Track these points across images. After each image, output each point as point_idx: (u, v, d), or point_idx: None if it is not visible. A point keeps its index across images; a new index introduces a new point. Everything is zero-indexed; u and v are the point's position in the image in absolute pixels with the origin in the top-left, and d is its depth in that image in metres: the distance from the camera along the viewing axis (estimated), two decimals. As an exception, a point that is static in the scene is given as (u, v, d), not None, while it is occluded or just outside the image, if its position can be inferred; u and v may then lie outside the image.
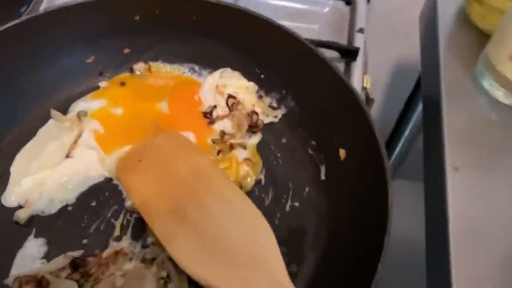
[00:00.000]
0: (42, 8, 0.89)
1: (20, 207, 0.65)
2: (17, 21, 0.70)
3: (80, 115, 0.73)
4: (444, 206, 0.64)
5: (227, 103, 0.75)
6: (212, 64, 0.80)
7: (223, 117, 0.74)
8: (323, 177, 0.70)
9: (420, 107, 1.25)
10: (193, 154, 0.67)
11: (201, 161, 0.65)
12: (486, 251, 0.59)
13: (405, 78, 1.30)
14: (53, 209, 0.66)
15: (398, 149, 1.39)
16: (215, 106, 0.75)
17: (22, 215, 0.64)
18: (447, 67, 0.80)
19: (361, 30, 0.93)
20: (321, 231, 0.66)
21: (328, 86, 0.69)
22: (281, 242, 0.55)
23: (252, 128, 0.74)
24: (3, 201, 0.66)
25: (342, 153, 0.68)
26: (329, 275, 0.61)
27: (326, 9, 0.99)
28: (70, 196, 0.67)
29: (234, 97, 0.75)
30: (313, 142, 0.73)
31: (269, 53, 0.76)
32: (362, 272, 0.55)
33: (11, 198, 0.66)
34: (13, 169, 0.68)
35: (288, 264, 0.54)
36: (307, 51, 0.70)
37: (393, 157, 1.40)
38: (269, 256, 0.51)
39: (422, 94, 0.90)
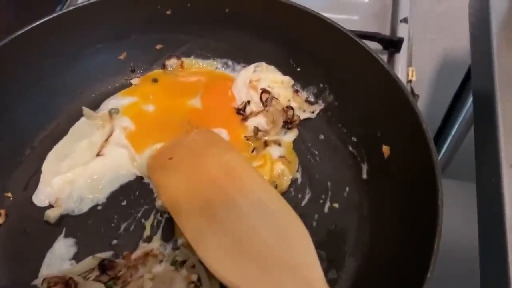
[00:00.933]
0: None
1: (50, 206, 0.64)
2: (50, 16, 0.70)
3: (112, 112, 0.72)
4: (499, 206, 0.58)
5: (261, 98, 0.71)
6: (246, 58, 0.77)
7: (257, 113, 0.71)
8: (365, 176, 0.65)
9: (469, 103, 1.17)
10: (225, 152, 0.64)
11: (234, 159, 0.62)
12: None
13: (452, 72, 1.22)
14: (84, 209, 0.64)
15: (445, 148, 1.31)
16: (248, 102, 0.71)
17: (52, 215, 0.63)
18: (501, 56, 0.73)
19: (405, 20, 0.87)
20: (363, 234, 0.61)
21: (371, 78, 0.64)
22: (319, 246, 0.51)
23: (288, 124, 0.70)
24: (34, 200, 0.65)
25: (386, 149, 0.63)
26: (372, 283, 0.56)
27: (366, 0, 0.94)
28: (100, 195, 0.65)
29: (268, 92, 0.71)
30: (354, 139, 0.68)
31: (306, 45, 0.72)
32: (410, 279, 0.49)
33: (41, 197, 0.65)
34: (45, 167, 0.67)
35: (326, 270, 0.50)
36: (349, 42, 0.65)
37: (440, 156, 1.32)
38: (305, 261, 0.47)
39: (473, 87, 0.83)
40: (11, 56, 0.67)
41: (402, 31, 0.86)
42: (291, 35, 0.72)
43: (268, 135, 0.69)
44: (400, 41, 0.81)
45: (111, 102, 0.74)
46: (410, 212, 0.57)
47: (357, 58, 0.66)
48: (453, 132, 1.28)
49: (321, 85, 0.72)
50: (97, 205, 0.65)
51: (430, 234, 0.50)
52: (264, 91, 0.71)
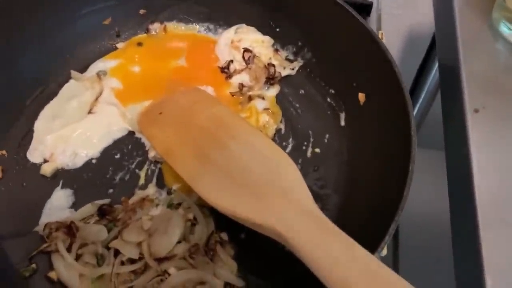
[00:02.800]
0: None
1: (45, 162, 0.67)
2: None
3: (100, 74, 0.74)
4: (465, 148, 0.63)
5: (243, 57, 0.75)
6: (227, 21, 0.81)
7: (240, 71, 0.75)
8: (342, 123, 0.70)
9: (433, 72, 1.24)
10: (212, 105, 0.67)
11: (221, 110, 0.66)
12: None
13: (418, 45, 1.30)
14: (78, 163, 0.67)
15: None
16: (231, 61, 0.75)
17: (48, 169, 0.65)
18: (463, 18, 0.79)
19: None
20: (343, 174, 0.66)
21: (347, 34, 0.69)
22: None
23: (270, 80, 0.74)
24: (28, 157, 0.67)
25: (361, 97, 0.68)
26: (353, 215, 0.61)
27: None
28: (94, 150, 0.68)
29: (250, 51, 0.75)
30: (332, 91, 0.73)
31: (284, 6, 0.76)
32: (387, 210, 0.54)
33: (36, 154, 0.67)
34: (37, 126, 0.69)
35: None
36: (325, 1, 0.70)
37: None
38: (296, 187, 0.52)
39: (438, 51, 0.89)
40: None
41: (371, -2, 0.91)
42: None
43: (252, 90, 0.73)
44: (370, 5, 0.87)
45: (98, 65, 0.76)
46: (385, 152, 0.62)
47: (333, 16, 0.70)
48: (419, 101, 1.36)
49: (300, 44, 0.77)
50: (91, 159, 0.67)
51: (404, 171, 0.54)
52: (246, 50, 0.75)
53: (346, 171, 0.66)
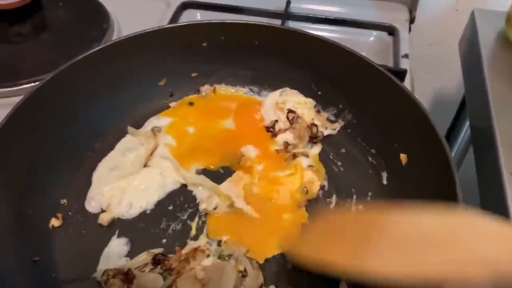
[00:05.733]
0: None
1: (102, 211, 0.71)
2: (100, 46, 0.79)
3: (155, 130, 0.80)
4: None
5: (287, 117, 0.80)
6: (271, 84, 0.87)
7: (285, 130, 0.79)
8: (385, 181, 0.73)
9: (463, 131, 1.28)
10: None
11: None
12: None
13: (447, 106, 1.34)
14: (134, 213, 0.71)
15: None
16: (276, 121, 0.81)
17: (105, 218, 0.69)
18: (493, 84, 0.84)
19: (406, 56, 0.99)
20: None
21: (386, 97, 0.74)
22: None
23: (313, 139, 0.79)
24: (86, 206, 0.71)
25: (403, 157, 0.71)
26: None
27: (371, 39, 1.06)
28: (148, 201, 0.72)
29: (294, 112, 0.81)
30: (373, 150, 0.77)
31: (325, 71, 0.82)
32: None
33: (93, 204, 0.72)
34: (95, 177, 0.74)
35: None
36: (365, 66, 0.76)
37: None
38: None
39: (469, 113, 0.93)
40: (64, 84, 0.74)
41: (404, 65, 0.97)
42: (312, 63, 0.82)
43: (296, 148, 0.77)
44: (404, 72, 0.92)
45: (153, 122, 0.82)
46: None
47: (373, 81, 0.76)
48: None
49: (340, 106, 0.82)
50: (146, 210, 0.71)
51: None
52: (290, 111, 0.81)
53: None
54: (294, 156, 0.77)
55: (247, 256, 0.64)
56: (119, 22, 1.04)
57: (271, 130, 0.80)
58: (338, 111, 0.82)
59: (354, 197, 0.73)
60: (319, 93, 0.84)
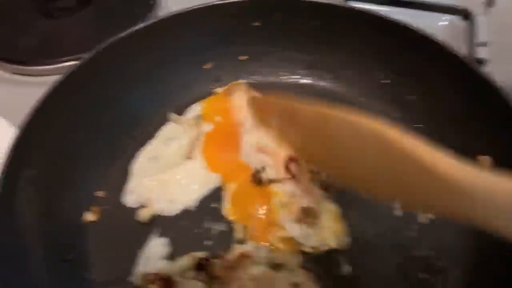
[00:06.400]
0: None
1: (141, 206, 0.64)
2: (143, 24, 0.72)
3: (197, 118, 0.73)
4: None
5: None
6: (329, 69, 0.78)
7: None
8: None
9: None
10: None
11: None
12: None
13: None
14: (175, 210, 0.64)
15: None
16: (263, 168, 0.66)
17: (144, 214, 0.63)
18: None
19: (483, 44, 0.87)
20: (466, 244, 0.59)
21: (466, 89, 0.64)
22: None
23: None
24: (125, 200, 0.65)
25: (484, 160, 0.61)
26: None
27: (441, 23, 0.94)
28: (191, 197, 0.65)
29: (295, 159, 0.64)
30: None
31: (395, 58, 0.72)
32: None
33: (132, 197, 0.65)
34: (135, 168, 0.68)
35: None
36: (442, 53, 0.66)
37: None
38: None
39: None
40: (103, 65, 0.69)
41: (481, 54, 0.85)
42: (380, 48, 0.73)
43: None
44: (481, 62, 0.81)
45: (196, 108, 0.75)
46: None
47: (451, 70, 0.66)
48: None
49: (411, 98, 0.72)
50: (188, 207, 0.64)
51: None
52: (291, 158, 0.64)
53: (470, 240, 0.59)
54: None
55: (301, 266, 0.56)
56: (167, -1, 0.96)
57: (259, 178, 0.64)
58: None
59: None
60: (385, 81, 0.74)
